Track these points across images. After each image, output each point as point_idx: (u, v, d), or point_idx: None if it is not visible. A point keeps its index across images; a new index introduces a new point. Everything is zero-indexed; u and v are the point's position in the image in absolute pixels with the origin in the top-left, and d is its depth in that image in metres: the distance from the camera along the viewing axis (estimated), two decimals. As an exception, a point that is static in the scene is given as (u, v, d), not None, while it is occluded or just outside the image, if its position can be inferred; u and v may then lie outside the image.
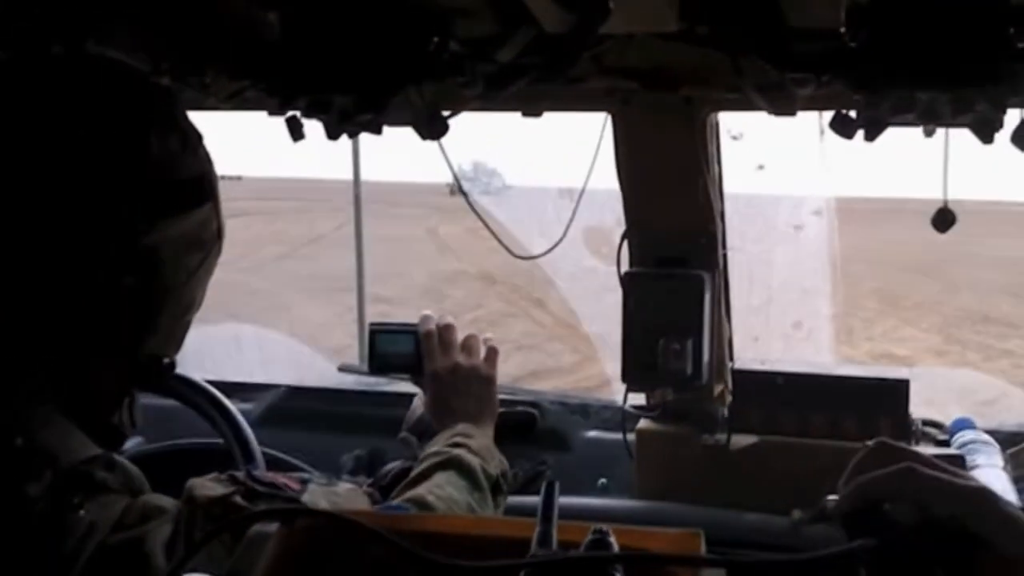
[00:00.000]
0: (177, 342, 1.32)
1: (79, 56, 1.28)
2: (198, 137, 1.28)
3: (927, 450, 1.92)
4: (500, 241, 1.99)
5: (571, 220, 2.00)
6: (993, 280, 19.23)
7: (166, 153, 1.21)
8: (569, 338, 12.82)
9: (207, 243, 1.28)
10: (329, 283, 15.72)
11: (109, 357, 1.23)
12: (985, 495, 0.85)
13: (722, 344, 2.06)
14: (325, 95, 1.46)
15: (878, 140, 1.43)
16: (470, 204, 1.92)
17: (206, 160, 1.28)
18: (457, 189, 2.04)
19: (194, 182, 1.25)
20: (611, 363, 2.12)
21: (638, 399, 2.16)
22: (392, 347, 1.86)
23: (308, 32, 1.38)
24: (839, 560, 0.84)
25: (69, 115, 1.17)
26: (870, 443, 0.95)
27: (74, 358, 1.19)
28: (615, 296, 2.00)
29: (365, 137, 1.59)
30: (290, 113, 1.56)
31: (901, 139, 1.55)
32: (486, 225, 1.99)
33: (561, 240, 2.01)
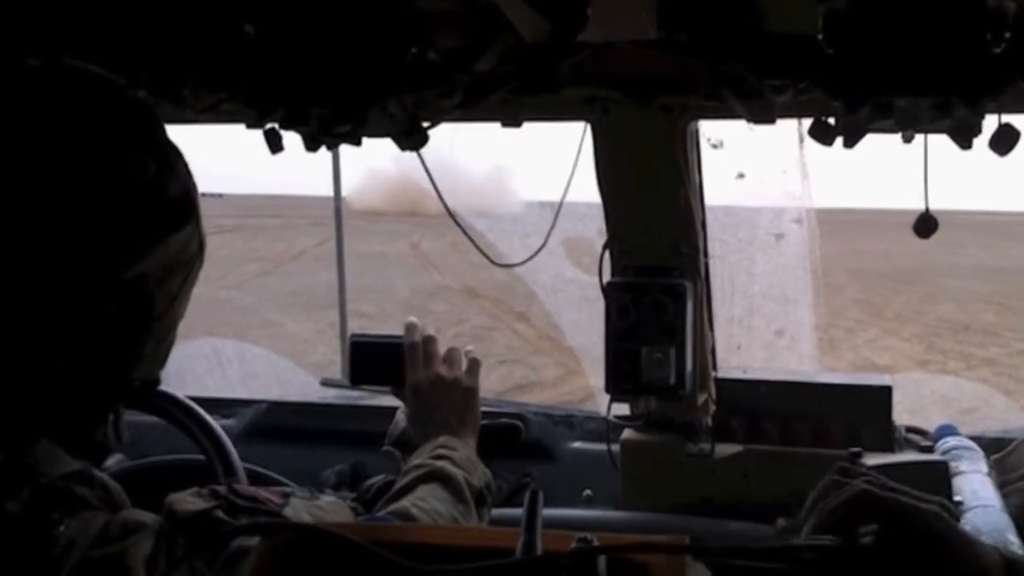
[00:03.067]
0: (161, 362, 1.31)
1: (54, 75, 1.24)
2: (176, 154, 1.25)
3: (911, 457, 1.92)
4: (477, 246, 1.98)
5: (551, 228, 1.99)
6: (973, 290, 19.34)
7: (146, 178, 1.18)
8: (552, 351, 12.82)
9: (190, 262, 1.26)
10: (311, 299, 15.68)
11: (94, 383, 1.21)
12: (938, 517, 0.87)
13: (705, 353, 2.06)
14: (303, 106, 1.46)
15: (857, 148, 1.43)
16: (449, 211, 1.91)
17: (186, 176, 1.26)
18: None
19: (175, 203, 1.23)
20: (595, 376, 2.11)
21: (623, 410, 2.15)
22: (374, 359, 1.84)
23: (286, 43, 1.38)
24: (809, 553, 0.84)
25: (45, 144, 1.14)
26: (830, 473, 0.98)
27: (59, 384, 1.18)
28: (598, 307, 2.00)
29: (344, 155, 1.58)
30: (268, 125, 1.56)
31: (880, 150, 1.55)
32: (463, 230, 1.98)
33: (542, 247, 2.00)
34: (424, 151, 1.72)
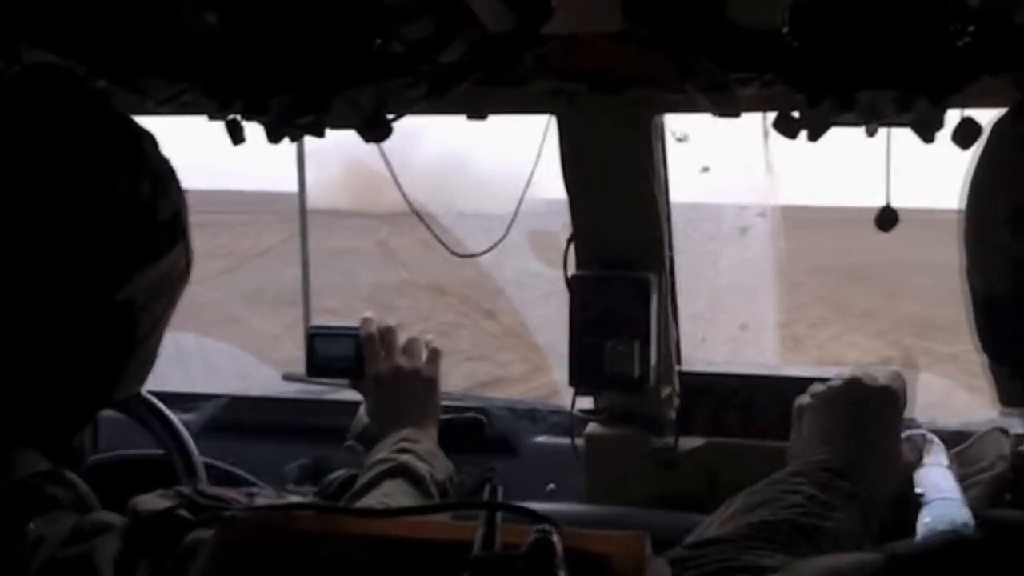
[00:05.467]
0: (143, 380, 1.29)
1: (52, 95, 1.19)
2: (170, 173, 1.23)
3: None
4: (436, 236, 1.98)
5: (511, 221, 1.99)
6: (935, 286, 19.51)
7: (138, 200, 1.16)
8: (519, 348, 12.81)
9: (176, 283, 1.25)
10: (277, 295, 15.58)
11: (75, 398, 1.20)
12: None
13: (669, 346, 2.06)
14: (264, 96, 1.44)
15: (819, 146, 1.44)
16: (407, 199, 1.90)
17: (178, 196, 1.23)
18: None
19: (166, 225, 1.20)
20: (561, 372, 2.11)
21: (588, 404, 2.15)
22: (331, 350, 1.83)
23: (247, 32, 1.36)
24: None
25: (38, 164, 1.11)
26: None
27: (40, 395, 1.17)
28: (563, 302, 2.00)
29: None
30: (230, 116, 1.54)
31: (844, 148, 1.56)
32: (422, 220, 1.98)
33: (504, 237, 2.00)
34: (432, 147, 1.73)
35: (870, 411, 1.31)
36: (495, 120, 1.85)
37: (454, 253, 2.11)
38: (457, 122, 1.85)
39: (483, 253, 2.10)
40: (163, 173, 1.22)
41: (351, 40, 1.36)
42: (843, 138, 1.45)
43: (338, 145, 1.74)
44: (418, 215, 1.98)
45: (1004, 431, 1.58)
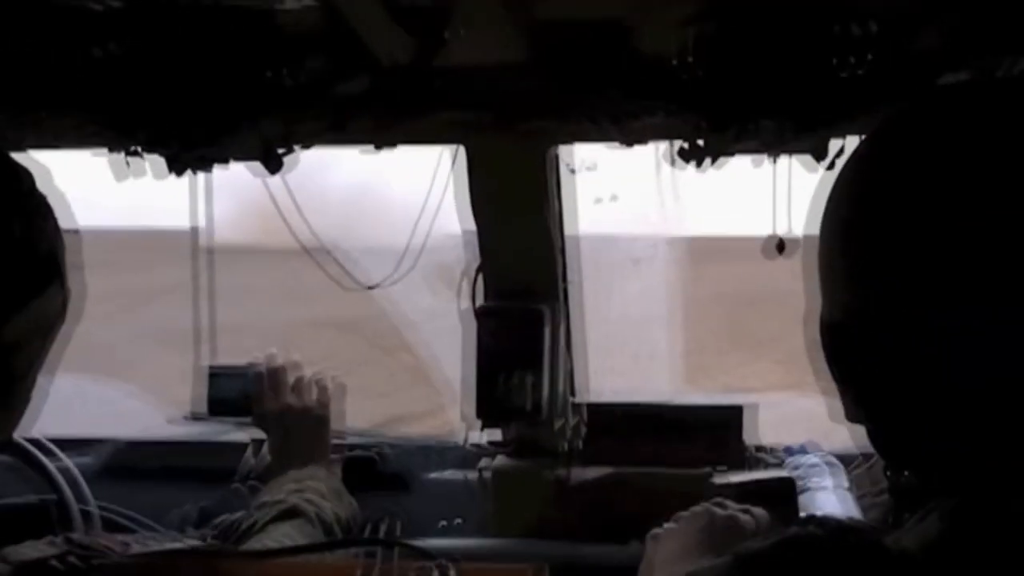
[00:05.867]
0: (17, 423, 1.23)
1: None
2: (46, 209, 1.18)
3: (759, 474, 1.96)
4: (326, 271, 1.98)
5: (404, 251, 1.98)
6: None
7: (14, 240, 1.11)
8: (424, 383, 12.72)
9: (53, 323, 1.19)
10: (180, 336, 15.25)
11: None
12: None
13: (564, 378, 2.05)
14: (166, 127, 1.42)
15: (728, 176, 1.47)
16: (295, 236, 1.90)
17: (54, 234, 1.18)
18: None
19: (42, 264, 1.15)
20: (467, 406, 2.10)
21: (496, 437, 2.14)
22: (229, 390, 1.83)
23: (147, 64, 1.34)
24: None
25: None
26: None
27: None
28: (468, 337, 1.99)
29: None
30: (131, 148, 1.51)
31: (751, 178, 1.60)
32: (310, 255, 1.97)
33: (406, 272, 2.00)
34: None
35: (716, 536, 1.40)
36: (415, 152, 1.85)
37: (350, 287, 2.11)
38: (371, 153, 1.84)
39: (377, 286, 2.10)
40: (39, 210, 1.17)
41: (247, 71, 1.35)
42: (751, 169, 1.49)
43: (245, 179, 1.72)
44: (308, 252, 1.98)
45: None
